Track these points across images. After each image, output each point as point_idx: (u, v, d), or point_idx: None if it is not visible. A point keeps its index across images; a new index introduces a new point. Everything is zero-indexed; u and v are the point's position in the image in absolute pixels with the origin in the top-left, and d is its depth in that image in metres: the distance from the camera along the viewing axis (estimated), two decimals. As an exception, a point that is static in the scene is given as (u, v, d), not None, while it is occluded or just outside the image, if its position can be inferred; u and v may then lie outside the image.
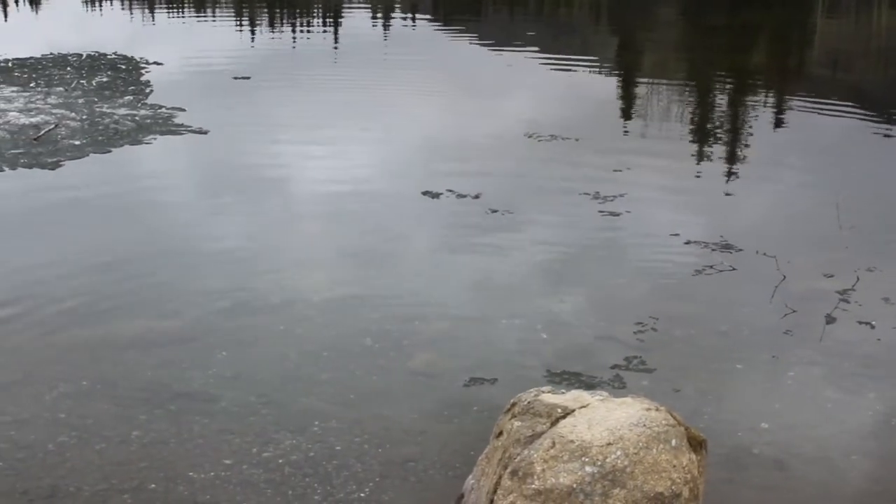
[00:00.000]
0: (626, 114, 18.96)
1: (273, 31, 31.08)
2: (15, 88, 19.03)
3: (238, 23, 33.67)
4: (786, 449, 7.32)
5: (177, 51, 25.03)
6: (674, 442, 5.45)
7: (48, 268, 10.57)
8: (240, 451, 7.23)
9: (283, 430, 7.50)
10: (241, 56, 25.20)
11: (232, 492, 6.75)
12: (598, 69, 24.37)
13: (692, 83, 22.91)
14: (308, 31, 31.25)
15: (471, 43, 28.85)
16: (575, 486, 5.23)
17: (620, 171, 14.13)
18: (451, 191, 13.05)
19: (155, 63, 22.58)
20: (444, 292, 10.11)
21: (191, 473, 6.95)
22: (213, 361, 8.58)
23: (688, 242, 11.29)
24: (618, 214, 12.19)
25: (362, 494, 6.73)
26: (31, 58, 22.84)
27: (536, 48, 28.06)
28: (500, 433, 5.90)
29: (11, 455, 7.15)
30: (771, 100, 20.95)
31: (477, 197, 12.83)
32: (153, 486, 6.83)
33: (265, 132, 16.66)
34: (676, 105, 19.91)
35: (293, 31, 31.30)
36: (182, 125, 16.52)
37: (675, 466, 5.36)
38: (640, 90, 22.01)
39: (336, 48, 27.66)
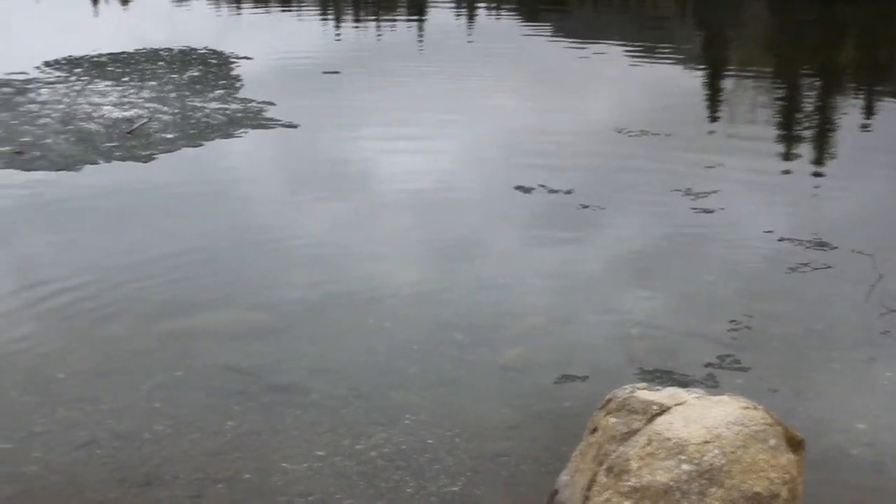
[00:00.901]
0: (716, 109, 18.75)
1: (358, 26, 31.23)
2: (109, 83, 19.31)
3: (323, 17, 33.85)
4: (884, 451, 7.21)
5: (265, 45, 25.24)
6: (772, 441, 5.38)
7: (143, 260, 10.72)
8: (332, 443, 7.28)
9: (374, 423, 7.53)
10: (329, 50, 25.36)
11: (325, 484, 6.80)
12: (685, 63, 24.13)
13: (782, 78, 22.62)
14: (393, 26, 31.33)
15: (556, 37, 28.72)
16: (671, 483, 5.19)
17: (712, 167, 13.99)
18: (542, 186, 13.01)
19: (245, 57, 22.77)
20: (534, 287, 10.09)
21: (284, 465, 7.01)
22: (304, 354, 8.65)
23: (781, 240, 11.15)
24: (710, 211, 12.07)
25: (454, 488, 6.73)
26: (123, 52, 23.15)
27: (622, 42, 27.87)
28: (595, 429, 5.87)
29: (109, 444, 7.26)
30: (862, 95, 20.60)
31: (569, 192, 12.77)
32: (247, 476, 6.90)
33: (354, 126, 16.74)
34: (767, 100, 19.68)
35: (378, 26, 31.40)
36: (272, 119, 16.65)
37: (773, 466, 5.29)
38: (729, 85, 21.75)
39: (421, 42, 27.72)
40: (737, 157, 14.70)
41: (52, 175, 13.56)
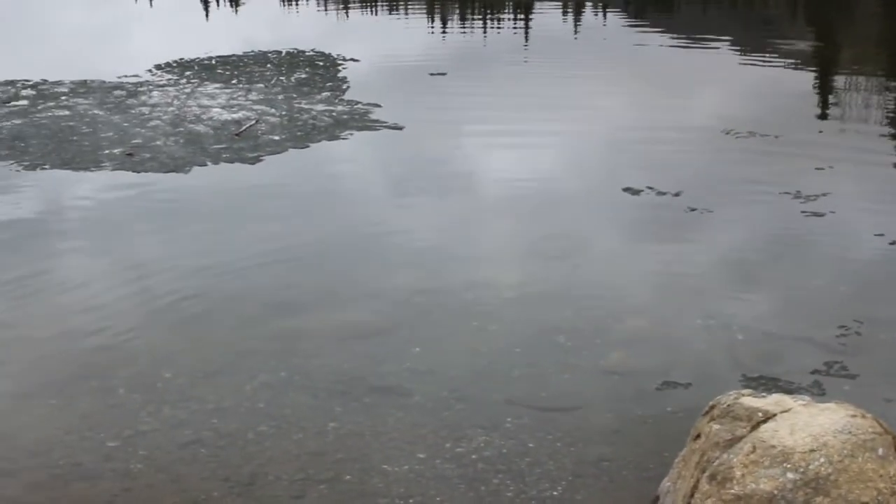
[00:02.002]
0: (826, 110, 18.40)
1: (465, 27, 31.28)
2: (218, 85, 19.61)
3: (430, 19, 33.99)
4: None
5: (372, 47, 25.42)
6: (881, 451, 5.26)
7: (248, 260, 10.86)
8: (433, 445, 7.29)
9: (476, 426, 7.52)
10: (434, 52, 25.43)
11: (425, 486, 6.81)
12: (795, 63, 23.75)
13: (894, 77, 22.13)
14: (499, 27, 31.34)
15: (663, 36, 28.46)
16: (776, 492, 5.10)
17: (822, 168, 13.71)
18: (651, 188, 12.89)
19: (351, 59, 22.95)
20: (639, 290, 10.01)
21: (385, 466, 7.04)
22: (407, 356, 8.67)
23: (893, 243, 10.91)
24: (820, 214, 11.84)
25: (555, 493, 6.70)
26: (232, 55, 23.51)
27: (731, 41, 27.54)
28: (698, 436, 5.81)
29: (213, 443, 7.36)
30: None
31: (677, 195, 12.63)
32: (349, 477, 6.94)
33: (460, 127, 16.77)
34: (877, 102, 19.26)
35: (484, 28, 31.42)
36: (378, 121, 16.75)
37: (881, 476, 5.18)
38: (840, 85, 21.35)
39: (527, 43, 27.67)
40: (847, 159, 14.40)
41: (161, 176, 13.82)
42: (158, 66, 21.94)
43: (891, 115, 17.90)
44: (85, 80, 20.04)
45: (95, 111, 17.31)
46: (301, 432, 7.50)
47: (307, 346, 8.89)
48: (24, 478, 6.96)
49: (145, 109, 17.35)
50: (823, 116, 17.76)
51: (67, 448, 7.31)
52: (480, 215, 12.48)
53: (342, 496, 6.73)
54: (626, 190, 12.86)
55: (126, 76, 20.60)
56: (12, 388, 8.24)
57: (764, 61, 23.93)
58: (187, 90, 19.00)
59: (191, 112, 17.01)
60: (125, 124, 16.38)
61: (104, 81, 20.02)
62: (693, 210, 12.09)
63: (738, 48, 26.44)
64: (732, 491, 5.20)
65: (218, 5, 39.35)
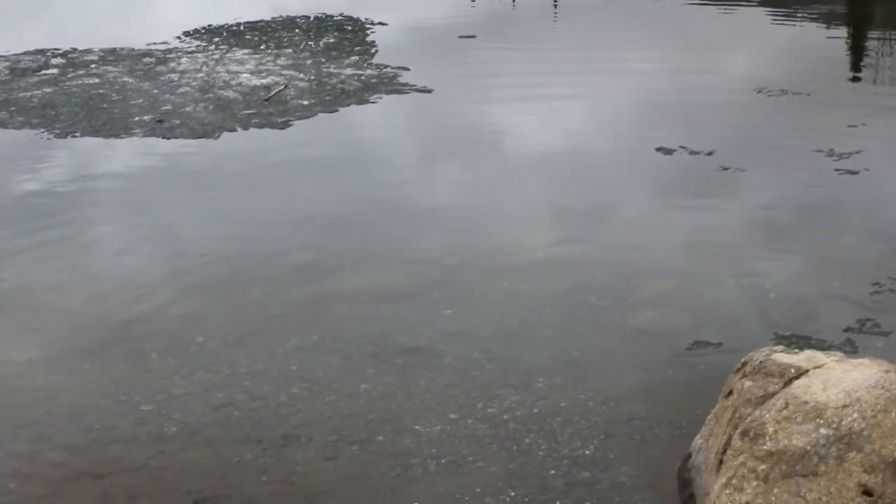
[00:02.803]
0: (858, 67, 18.24)
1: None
2: (247, 51, 19.59)
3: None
4: None
5: (401, 11, 25.29)
6: (914, 406, 5.22)
7: (279, 224, 10.89)
8: (465, 406, 7.30)
9: (507, 386, 7.53)
10: (463, 15, 25.27)
11: (457, 446, 6.82)
12: (827, 22, 23.51)
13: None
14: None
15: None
16: (809, 448, 5.08)
17: (855, 126, 13.60)
18: (683, 147, 12.82)
19: (380, 23, 22.87)
20: (669, 249, 9.96)
21: (417, 427, 7.05)
22: (438, 317, 8.67)
23: (926, 200, 10.84)
24: (853, 172, 11.75)
25: (587, 452, 6.70)
26: (261, 21, 23.46)
27: (760, 1, 27.28)
28: (731, 392, 5.78)
29: (247, 405, 7.40)
30: None
31: (710, 154, 12.55)
32: (381, 438, 6.96)
33: (490, 90, 16.72)
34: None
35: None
36: (407, 84, 16.71)
37: (914, 431, 5.14)
38: (872, 43, 21.15)
39: (556, 6, 27.49)
40: (880, 117, 14.29)
41: (191, 142, 13.85)
42: (187, 33, 21.91)
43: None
44: (114, 49, 20.05)
45: (125, 79, 17.33)
46: (333, 394, 7.52)
47: (338, 309, 8.90)
48: (59, 441, 7.01)
49: (174, 76, 17.36)
50: (856, 75, 17.60)
51: (102, 412, 7.35)
52: (511, 177, 12.45)
53: (374, 457, 6.75)
54: (659, 150, 12.80)
55: (155, 44, 20.59)
56: (47, 353, 8.28)
57: (795, 20, 23.71)
58: (216, 56, 18.98)
59: (220, 78, 17.01)
60: (155, 91, 16.40)
61: (133, 49, 20.02)
62: (726, 169, 12.02)
63: (771, 7, 26.18)
64: (765, 447, 5.17)
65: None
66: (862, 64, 18.62)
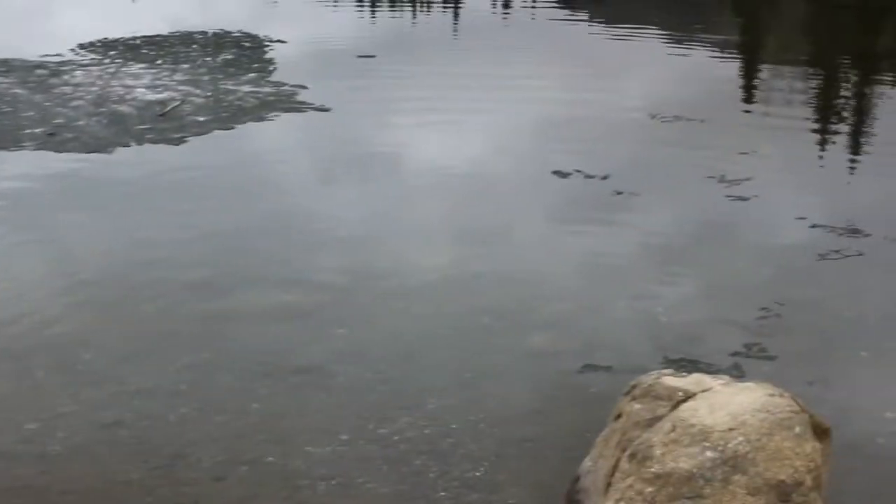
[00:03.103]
0: (750, 96, 18.59)
1: (394, 12, 31.15)
2: (143, 65, 19.34)
3: (359, 3, 33.83)
4: (912, 440, 7.15)
5: (300, 29, 25.17)
6: (797, 429, 5.31)
7: (170, 242, 10.75)
8: (356, 426, 7.27)
9: (399, 408, 7.52)
10: (363, 35, 25.25)
11: (348, 467, 6.79)
12: (720, 50, 23.92)
13: (817, 64, 22.40)
14: (429, 11, 31.24)
15: (592, 23, 28.55)
16: (695, 470, 5.13)
17: (746, 153, 13.86)
18: (579, 171, 12.94)
19: (279, 41, 22.73)
20: (564, 273, 10.05)
21: (308, 448, 7.01)
22: (332, 337, 8.64)
23: (814, 226, 11.06)
24: (743, 198, 11.97)
25: (477, 473, 6.71)
26: (158, 35, 23.16)
27: (657, 28, 27.68)
28: (620, 415, 5.83)
29: (135, 424, 7.29)
30: (900, 82, 20.38)
31: (605, 178, 12.69)
32: (271, 458, 6.90)
33: (386, 110, 16.70)
34: (801, 87, 19.49)
35: (413, 12, 31.33)
36: (304, 102, 16.63)
37: (797, 454, 5.23)
38: (764, 71, 21.59)
39: (456, 28, 27.61)
40: (771, 143, 14.58)
41: (84, 157, 13.60)
42: (82, 46, 21.53)
43: (814, 100, 18.12)
44: (6, 59, 19.64)
45: (16, 90, 17.01)
46: (224, 414, 7.45)
47: (231, 328, 8.82)
48: (-61, 460, 6.84)
49: (68, 89, 17.08)
50: (748, 102, 17.95)
51: (-16, 430, 7.20)
52: (408, 198, 12.46)
53: (264, 478, 6.69)
54: (556, 173, 12.90)
55: (48, 55, 20.19)
56: (-72, 370, 8.09)
57: (691, 48, 24.06)
58: (111, 70, 18.72)
59: (115, 92, 16.78)
60: (47, 104, 16.12)
61: (26, 60, 19.62)
62: (620, 193, 12.16)
63: (667, 35, 26.59)
64: (652, 469, 5.22)
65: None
66: (754, 91, 18.97)
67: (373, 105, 17.00)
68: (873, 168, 13.70)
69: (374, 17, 29.36)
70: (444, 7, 32.71)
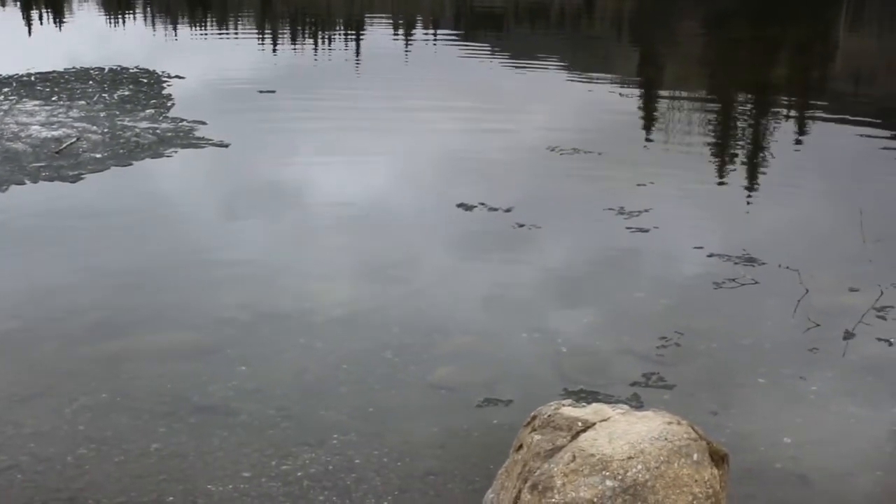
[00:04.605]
0: (648, 128, 18.87)
1: (295, 46, 31.15)
2: (37, 102, 19.08)
3: (260, 37, 33.76)
4: (809, 464, 7.27)
5: (199, 65, 25.08)
6: (695, 456, 5.39)
7: (68, 281, 10.59)
8: (259, 464, 7.21)
9: (301, 444, 7.47)
10: (264, 70, 25.22)
11: (250, 505, 6.73)
12: (619, 83, 24.28)
13: (714, 97, 22.84)
14: (330, 46, 31.30)
15: (493, 57, 28.82)
16: (595, 500, 5.18)
17: (644, 185, 14.05)
18: (483, 203, 13.03)
19: (177, 77, 22.61)
20: (465, 306, 10.08)
21: (209, 486, 6.93)
22: (233, 375, 8.56)
23: (710, 256, 11.23)
24: (642, 230, 12.11)
25: (382, 508, 6.70)
26: (53, 71, 22.91)
27: (557, 62, 28.04)
28: (520, 447, 5.86)
29: (31, 467, 7.14)
30: (793, 114, 20.83)
31: (508, 210, 12.77)
32: (171, 499, 6.81)
33: (287, 145, 16.66)
34: (698, 119, 19.84)
35: (315, 46, 31.35)
36: (203, 138, 16.52)
37: (696, 481, 5.30)
38: (662, 104, 21.96)
39: (358, 62, 27.68)
40: (669, 175, 14.81)
41: (-23, 195, 13.38)
42: (-26, 83, 21.25)
43: (710, 133, 18.45)
44: None
45: None
46: (123, 454, 7.34)
47: (130, 368, 8.69)
48: None
49: (-39, 127, 16.80)
50: (646, 134, 18.21)
51: None
52: (310, 233, 12.42)
53: (164, 518, 6.61)
54: (460, 206, 12.96)
55: (-60, 93, 19.90)
56: None
57: (589, 80, 24.40)
58: (4, 107, 18.42)
59: (8, 129, 16.51)
60: (-61, 142, 15.84)
61: (-84, 98, 19.31)
62: (522, 226, 12.24)
63: (565, 68, 26.94)
64: (553, 500, 5.26)
65: (41, 21, 38.36)
66: (652, 124, 19.27)
67: (273, 140, 16.94)
68: (768, 198, 13.99)
69: (275, 52, 29.29)
70: (346, 41, 32.79)
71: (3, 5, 45.26)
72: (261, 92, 21.30)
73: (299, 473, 7.08)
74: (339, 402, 8.12)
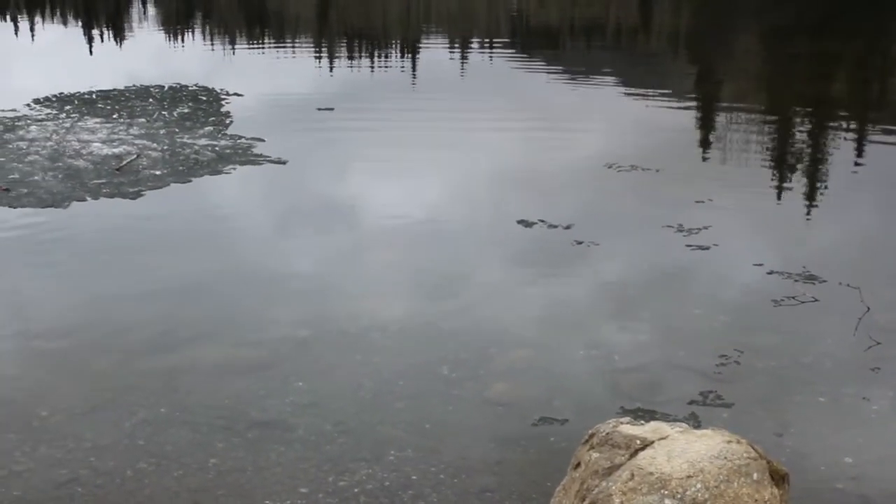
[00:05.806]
0: (706, 144, 18.75)
1: (352, 64, 31.28)
2: (98, 120, 19.30)
3: (317, 55, 33.95)
4: (870, 484, 7.16)
5: (257, 82, 25.27)
6: (755, 475, 5.33)
7: (127, 296, 10.70)
8: (316, 479, 7.23)
9: (358, 459, 7.48)
10: (321, 87, 25.34)
11: (307, 520, 6.75)
12: (676, 99, 24.16)
13: (772, 113, 22.65)
14: (386, 64, 31.40)
15: (549, 74, 28.77)
16: (654, 519, 5.13)
17: (702, 201, 13.94)
18: (542, 220, 13.00)
19: (235, 94, 22.78)
20: (523, 321, 10.05)
21: (267, 502, 6.97)
22: (290, 390, 8.60)
23: (770, 273, 11.13)
24: (701, 246, 12.02)
25: (438, 525, 6.68)
26: (114, 90, 23.17)
27: (614, 78, 27.96)
28: (578, 464, 5.82)
29: (91, 481, 7.21)
30: (852, 129, 20.60)
31: (568, 227, 12.73)
32: (230, 513, 6.84)
33: (345, 162, 16.73)
34: (756, 135, 19.69)
35: (372, 64, 31.47)
36: (261, 155, 16.63)
37: (756, 500, 5.24)
38: (720, 120, 21.80)
39: (415, 80, 27.75)
40: (727, 191, 14.68)
41: (40, 212, 13.53)
42: (37, 101, 21.51)
43: (768, 148, 18.31)
44: (-39, 115, 19.60)
45: (-29, 146, 16.93)
46: (181, 469, 7.39)
47: (188, 382, 8.76)
48: None
49: (23, 144, 17.01)
50: (704, 150, 18.09)
51: (-63, 490, 7.10)
52: (367, 249, 12.46)
53: (222, 533, 6.63)
54: (520, 222, 12.96)
55: (3, 110, 20.16)
56: None
57: (647, 97, 24.31)
58: (67, 125, 18.66)
59: (70, 146, 16.72)
60: (1, 159, 16.04)
61: (-20, 116, 19.59)
62: (580, 243, 12.18)
63: (623, 85, 26.85)
64: (611, 518, 5.21)
65: (102, 40, 38.83)
66: (710, 140, 19.15)
67: (331, 157, 17.02)
68: (828, 214, 13.84)
69: (332, 71, 29.42)
70: (402, 59, 32.90)
71: (66, 24, 45.89)
72: (319, 109, 21.39)
73: (356, 489, 7.09)
74: (395, 418, 8.12)
